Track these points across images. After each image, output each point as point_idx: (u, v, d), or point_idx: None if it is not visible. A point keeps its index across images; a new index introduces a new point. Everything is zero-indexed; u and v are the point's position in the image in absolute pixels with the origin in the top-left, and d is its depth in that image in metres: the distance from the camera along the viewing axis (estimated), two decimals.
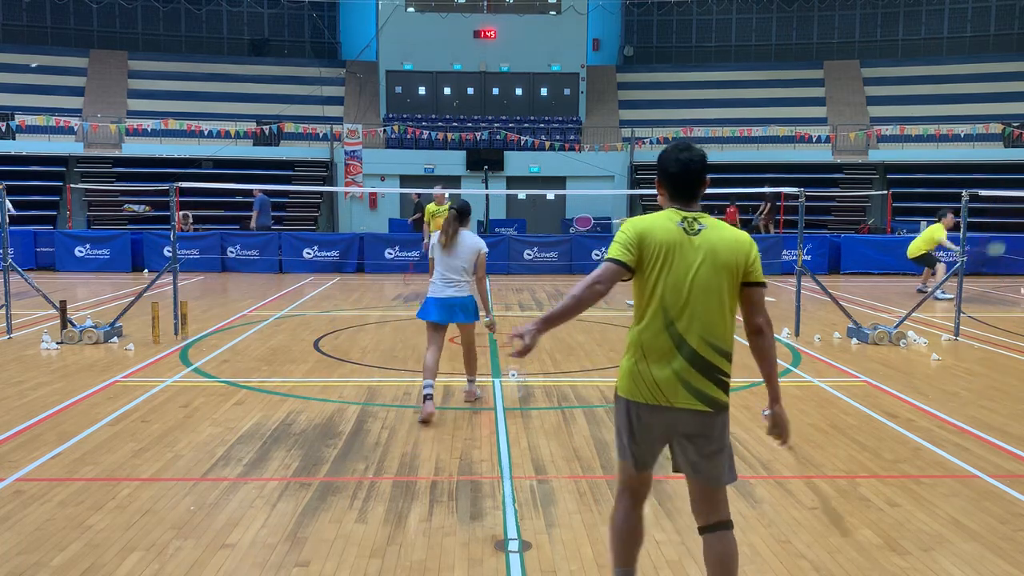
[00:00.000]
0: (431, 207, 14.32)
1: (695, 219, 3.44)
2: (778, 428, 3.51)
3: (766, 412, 3.53)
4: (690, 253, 3.38)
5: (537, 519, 4.82)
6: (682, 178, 3.47)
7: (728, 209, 26.93)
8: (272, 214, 22.63)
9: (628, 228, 3.46)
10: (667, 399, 3.37)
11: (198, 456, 5.90)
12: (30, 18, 35.43)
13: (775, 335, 3.86)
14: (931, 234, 15.76)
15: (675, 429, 3.41)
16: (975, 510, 4.99)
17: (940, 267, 16.05)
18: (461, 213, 7.25)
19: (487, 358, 9.47)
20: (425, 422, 6.81)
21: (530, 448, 6.16)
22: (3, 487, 5.26)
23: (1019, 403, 7.60)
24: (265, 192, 21.13)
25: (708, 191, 3.66)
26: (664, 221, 3.44)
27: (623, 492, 3.61)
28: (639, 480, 3.57)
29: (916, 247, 15.96)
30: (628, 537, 3.60)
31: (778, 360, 3.63)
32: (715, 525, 3.46)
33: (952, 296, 15.66)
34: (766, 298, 3.53)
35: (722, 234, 3.43)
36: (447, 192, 14.43)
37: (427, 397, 6.96)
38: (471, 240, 7.22)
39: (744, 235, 3.50)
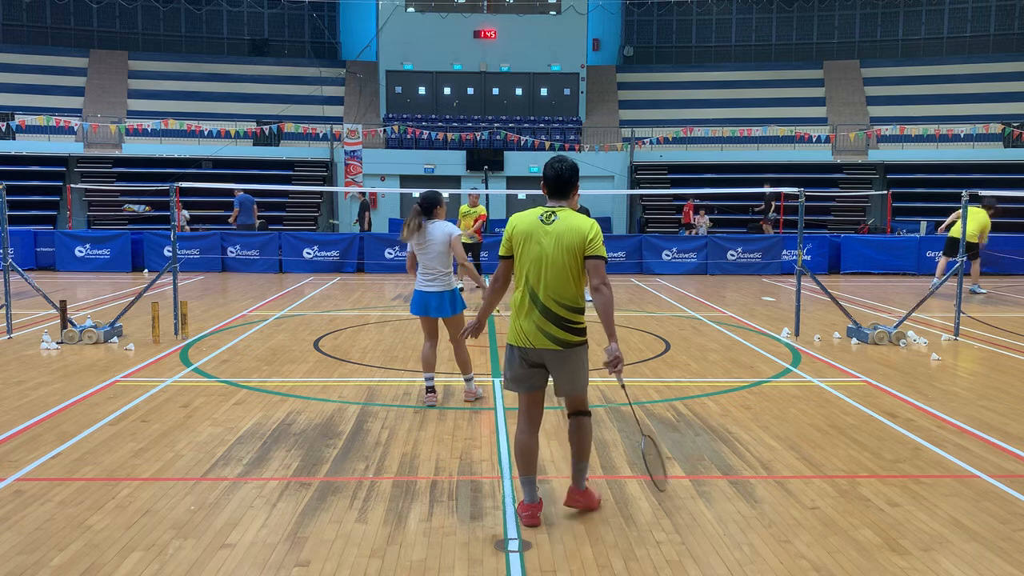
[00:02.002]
0: (463, 208, 15.49)
1: (552, 213, 4.69)
2: (610, 361, 4.55)
3: (606, 348, 4.58)
4: (543, 238, 4.63)
5: None
6: (555, 180, 4.75)
7: (684, 207, 27.34)
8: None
9: (508, 227, 4.79)
10: (531, 343, 4.65)
11: (198, 456, 5.90)
12: (30, 18, 35.45)
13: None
14: (983, 219, 15.23)
15: (541, 362, 4.69)
16: (975, 510, 4.99)
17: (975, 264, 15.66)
18: (423, 205, 7.21)
19: (487, 357, 9.48)
20: (430, 403, 7.32)
21: None
22: (3, 487, 5.26)
23: (1019, 403, 7.60)
24: (248, 192, 21.15)
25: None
26: (529, 216, 4.73)
27: (520, 416, 4.84)
28: (528, 401, 4.79)
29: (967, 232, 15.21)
30: (527, 451, 4.77)
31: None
32: (577, 413, 4.82)
33: (985, 291, 15.67)
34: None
35: (569, 223, 4.63)
36: (480, 192, 15.41)
37: (428, 389, 7.39)
38: (440, 230, 7.19)
39: (585, 222, 4.63)
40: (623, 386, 4.75)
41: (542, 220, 4.66)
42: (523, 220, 4.72)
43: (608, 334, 4.56)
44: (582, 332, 4.67)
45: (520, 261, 4.69)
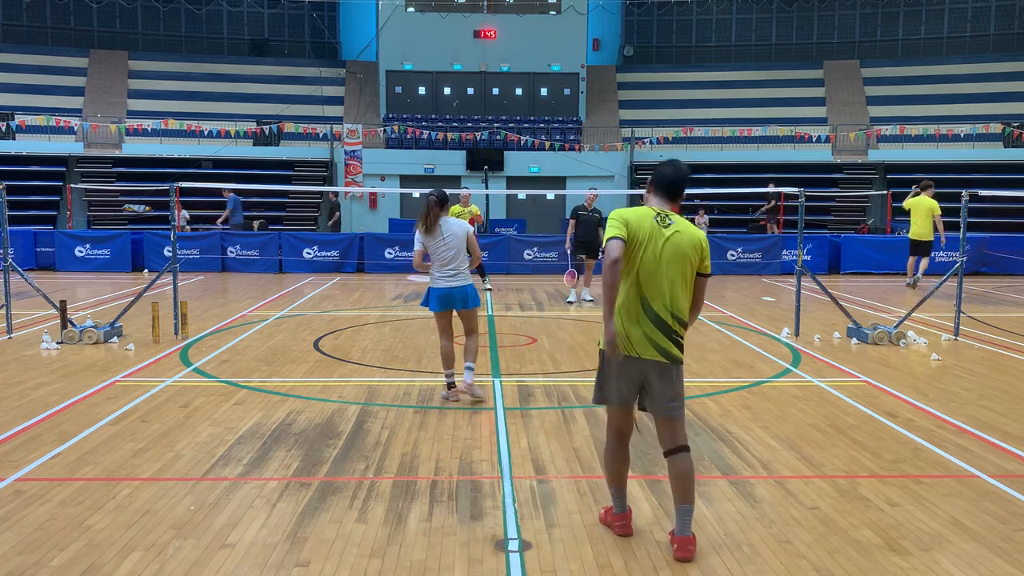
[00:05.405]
0: (455, 208, 15.18)
1: (667, 215, 4.41)
2: None
3: None
4: (661, 242, 4.32)
5: (537, 519, 4.82)
6: (674, 178, 4.51)
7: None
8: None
9: (618, 217, 4.36)
10: (637, 352, 4.33)
11: (198, 456, 5.90)
12: (30, 18, 35.43)
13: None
14: (931, 206, 16.06)
15: (644, 375, 4.36)
16: (975, 510, 4.99)
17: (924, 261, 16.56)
18: (441, 199, 7.36)
19: (487, 357, 9.47)
20: (453, 399, 7.43)
21: (530, 448, 6.16)
22: (3, 487, 5.26)
23: (1019, 403, 7.60)
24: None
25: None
26: (643, 216, 4.38)
27: (611, 431, 4.58)
28: (621, 416, 4.51)
29: (924, 224, 16.16)
30: (619, 465, 4.57)
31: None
32: (677, 449, 4.40)
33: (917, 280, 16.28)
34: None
35: (687, 232, 4.39)
36: (470, 191, 15.27)
37: (450, 386, 7.46)
38: (456, 225, 7.37)
39: (701, 233, 4.44)
40: None
41: (657, 222, 4.35)
42: (638, 217, 4.35)
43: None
44: (682, 347, 4.39)
45: (633, 261, 4.29)
